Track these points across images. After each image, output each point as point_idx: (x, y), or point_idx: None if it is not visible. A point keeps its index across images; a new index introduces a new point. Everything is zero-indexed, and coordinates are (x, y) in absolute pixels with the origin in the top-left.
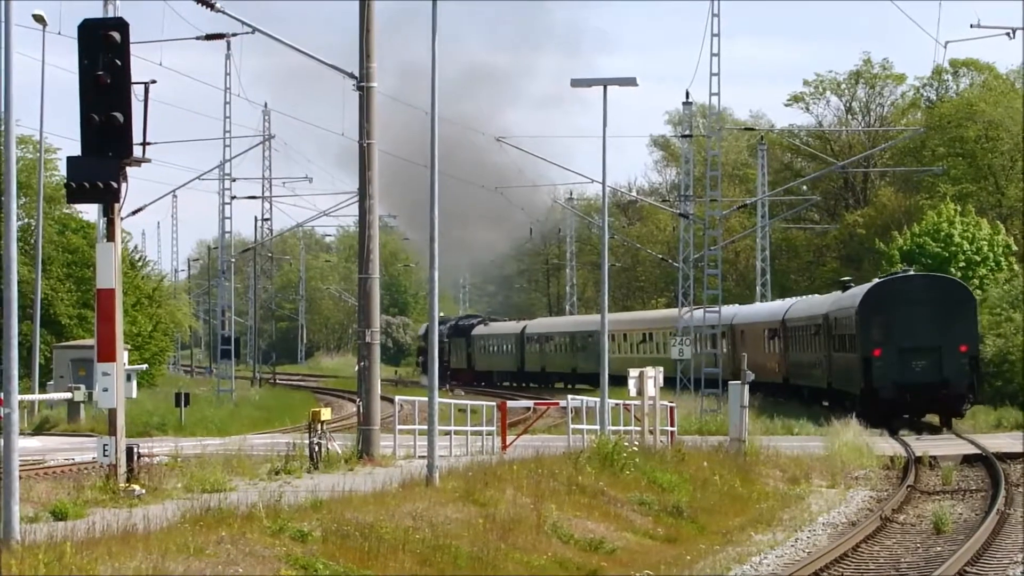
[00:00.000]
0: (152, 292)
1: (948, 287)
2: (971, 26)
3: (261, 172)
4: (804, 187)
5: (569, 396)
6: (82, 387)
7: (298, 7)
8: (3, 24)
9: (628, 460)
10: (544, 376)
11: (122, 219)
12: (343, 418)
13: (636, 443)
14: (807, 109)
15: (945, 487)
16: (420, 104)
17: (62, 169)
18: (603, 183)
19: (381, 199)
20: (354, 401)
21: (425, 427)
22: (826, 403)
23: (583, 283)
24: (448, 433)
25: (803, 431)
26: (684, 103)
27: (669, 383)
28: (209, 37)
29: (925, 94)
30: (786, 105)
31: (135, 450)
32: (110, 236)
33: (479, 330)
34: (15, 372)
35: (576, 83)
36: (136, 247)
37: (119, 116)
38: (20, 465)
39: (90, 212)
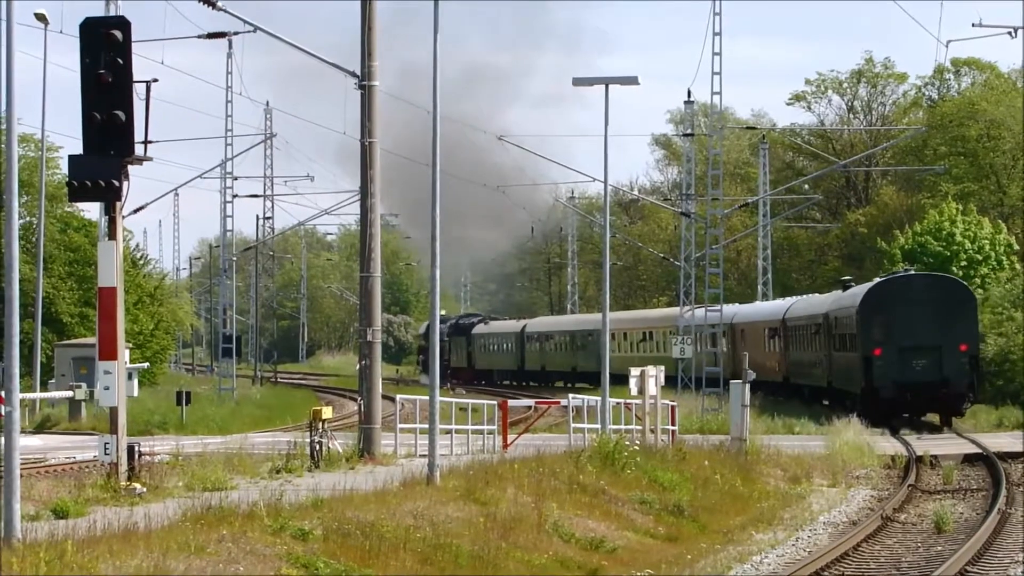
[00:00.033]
0: (154, 290)
1: (948, 287)
2: (972, 25)
3: (263, 171)
4: (806, 186)
5: (570, 395)
6: (83, 385)
7: (299, 6)
8: (5, 22)
9: (629, 459)
10: (544, 375)
11: (124, 217)
12: (344, 417)
13: (637, 442)
14: (809, 108)
15: (946, 486)
16: (420, 103)
17: (64, 167)
18: (605, 182)
19: (382, 198)
20: (355, 400)
21: (426, 426)
22: (826, 402)
23: (584, 282)
24: (449, 432)
25: (804, 430)
26: (686, 102)
27: (670, 382)
28: (211, 36)
29: (927, 93)
30: (788, 104)
31: (136, 448)
32: (112, 234)
33: (479, 329)
34: (16, 370)
35: (578, 82)
36: (138, 245)
37: (121, 114)
38: (21, 463)
39: (92, 210)
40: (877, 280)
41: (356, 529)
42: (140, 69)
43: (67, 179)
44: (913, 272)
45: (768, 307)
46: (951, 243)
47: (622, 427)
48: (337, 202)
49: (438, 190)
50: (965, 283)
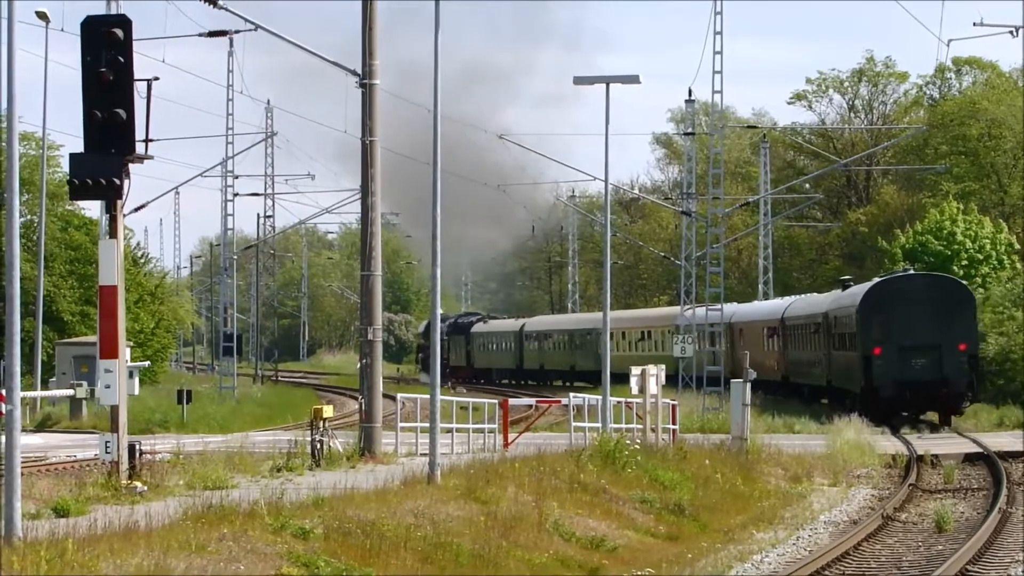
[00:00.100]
0: (154, 289)
1: (948, 286)
2: (974, 24)
3: (263, 169)
4: (807, 185)
5: (571, 394)
6: (84, 384)
7: (300, 5)
8: (6, 20)
9: (630, 458)
10: (543, 374)
11: (124, 216)
12: (345, 415)
13: (638, 441)
14: (810, 107)
15: (947, 486)
16: (421, 102)
17: (65, 166)
18: (606, 181)
19: (383, 196)
20: (356, 398)
21: (427, 425)
22: (825, 401)
23: (585, 281)
24: (450, 431)
25: (804, 429)
26: (687, 101)
27: (670, 381)
28: (212, 34)
29: (928, 92)
30: (789, 103)
31: (137, 447)
32: (112, 233)
33: (478, 328)
34: (17, 369)
35: (579, 81)
36: (138, 244)
37: (122, 113)
38: (22, 462)
39: (93, 209)
40: (877, 280)
41: (357, 528)
42: (141, 67)
43: (68, 177)
44: (912, 272)
45: (766, 306)
46: (952, 242)
47: (623, 426)
48: (338, 201)
49: (439, 189)
50: (964, 283)
